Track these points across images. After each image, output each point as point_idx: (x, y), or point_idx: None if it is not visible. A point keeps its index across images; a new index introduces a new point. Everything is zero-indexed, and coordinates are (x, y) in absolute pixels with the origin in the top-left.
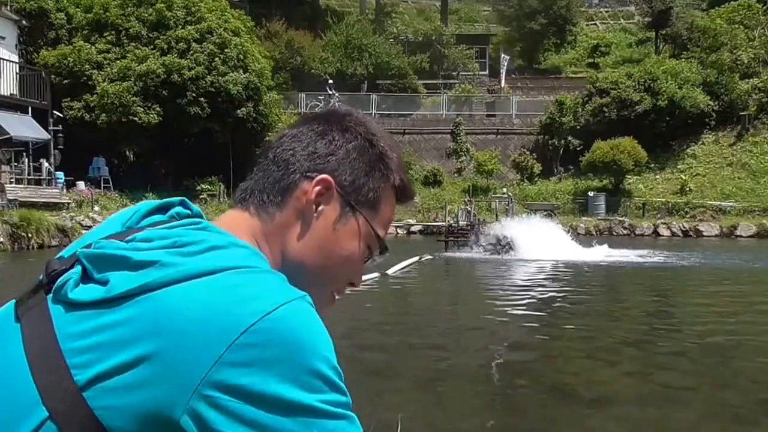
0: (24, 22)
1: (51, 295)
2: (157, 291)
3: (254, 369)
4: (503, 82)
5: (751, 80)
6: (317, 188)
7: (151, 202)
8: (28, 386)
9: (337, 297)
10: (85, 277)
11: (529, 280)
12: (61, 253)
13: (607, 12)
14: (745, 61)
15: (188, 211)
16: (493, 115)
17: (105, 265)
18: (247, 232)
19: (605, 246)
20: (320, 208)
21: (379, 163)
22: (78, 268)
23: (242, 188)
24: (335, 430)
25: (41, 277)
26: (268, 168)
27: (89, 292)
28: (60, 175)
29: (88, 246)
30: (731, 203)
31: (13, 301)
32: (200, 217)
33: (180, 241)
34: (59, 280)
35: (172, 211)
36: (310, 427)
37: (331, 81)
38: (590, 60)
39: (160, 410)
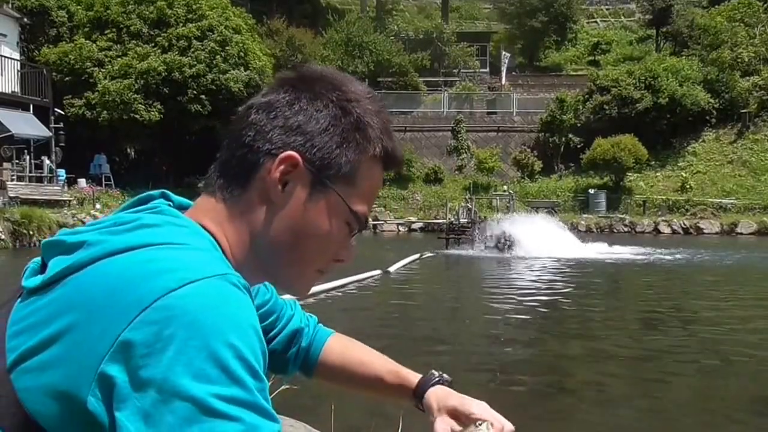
0: (25, 19)
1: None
2: (80, 271)
3: (151, 350)
4: (504, 79)
5: (752, 78)
6: (282, 167)
7: (133, 198)
8: None
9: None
10: (43, 267)
11: (529, 277)
12: None
13: (607, 10)
14: (746, 59)
15: (169, 202)
16: (494, 113)
17: (50, 251)
18: (211, 217)
19: (605, 244)
20: (288, 187)
21: (354, 133)
22: (37, 260)
23: (210, 170)
24: None
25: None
26: (232, 145)
27: (35, 279)
28: (61, 172)
29: None
30: (732, 201)
31: None
32: (186, 207)
33: (119, 221)
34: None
35: (151, 203)
36: (190, 425)
37: None
38: (591, 58)
39: (70, 391)
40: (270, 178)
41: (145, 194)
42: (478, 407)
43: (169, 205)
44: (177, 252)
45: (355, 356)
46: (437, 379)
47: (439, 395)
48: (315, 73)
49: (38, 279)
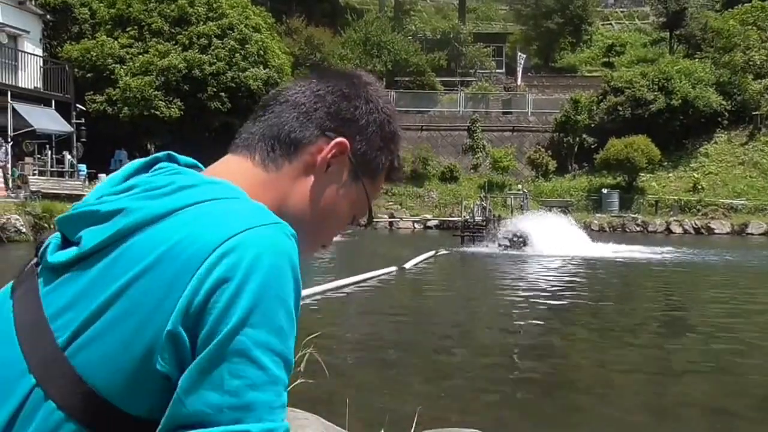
0: (48, 16)
1: (40, 267)
2: (128, 237)
3: (212, 297)
4: (519, 80)
5: (764, 80)
6: (334, 150)
7: (136, 162)
8: (17, 358)
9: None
10: (65, 242)
11: (542, 274)
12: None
13: (622, 12)
14: (758, 62)
15: (175, 164)
16: (509, 113)
17: (76, 224)
18: (244, 180)
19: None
20: (330, 169)
21: (390, 142)
22: (57, 235)
23: (249, 132)
24: (247, 378)
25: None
26: (284, 113)
27: (66, 253)
28: (82, 167)
29: None
30: (743, 201)
31: (12, 282)
32: (194, 167)
33: (149, 186)
34: (41, 249)
35: (158, 166)
36: (220, 362)
37: None
38: (605, 59)
39: (135, 355)
40: (321, 156)
41: (151, 157)
42: None
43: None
44: (228, 204)
45: None
46: None
47: None
48: (369, 78)
49: (71, 252)
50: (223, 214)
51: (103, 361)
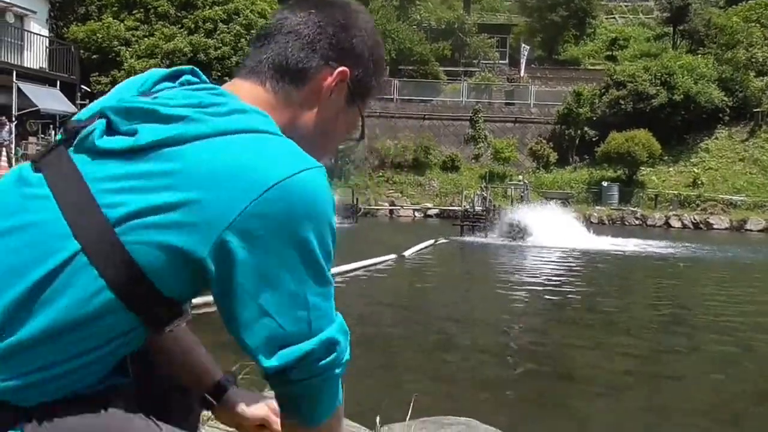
0: None
1: (72, 148)
2: (187, 144)
3: (272, 224)
4: (523, 71)
5: (766, 78)
6: (337, 79)
7: (161, 70)
8: (59, 223)
9: None
10: (110, 130)
11: (540, 265)
12: (77, 116)
13: (626, 6)
14: (760, 59)
15: (197, 79)
16: (512, 104)
17: (132, 116)
18: (258, 104)
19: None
20: (332, 95)
21: (380, 67)
22: (102, 121)
23: (257, 60)
24: (320, 292)
25: (59, 137)
26: (289, 43)
27: (117, 141)
28: None
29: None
30: (742, 197)
31: (26, 163)
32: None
33: (204, 102)
34: (82, 132)
35: (182, 79)
36: (305, 284)
37: None
38: (608, 53)
39: (189, 249)
40: (326, 85)
41: (175, 69)
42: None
43: (199, 83)
44: (279, 141)
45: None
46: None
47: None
48: (358, 6)
49: (126, 141)
50: (279, 152)
51: (155, 248)
